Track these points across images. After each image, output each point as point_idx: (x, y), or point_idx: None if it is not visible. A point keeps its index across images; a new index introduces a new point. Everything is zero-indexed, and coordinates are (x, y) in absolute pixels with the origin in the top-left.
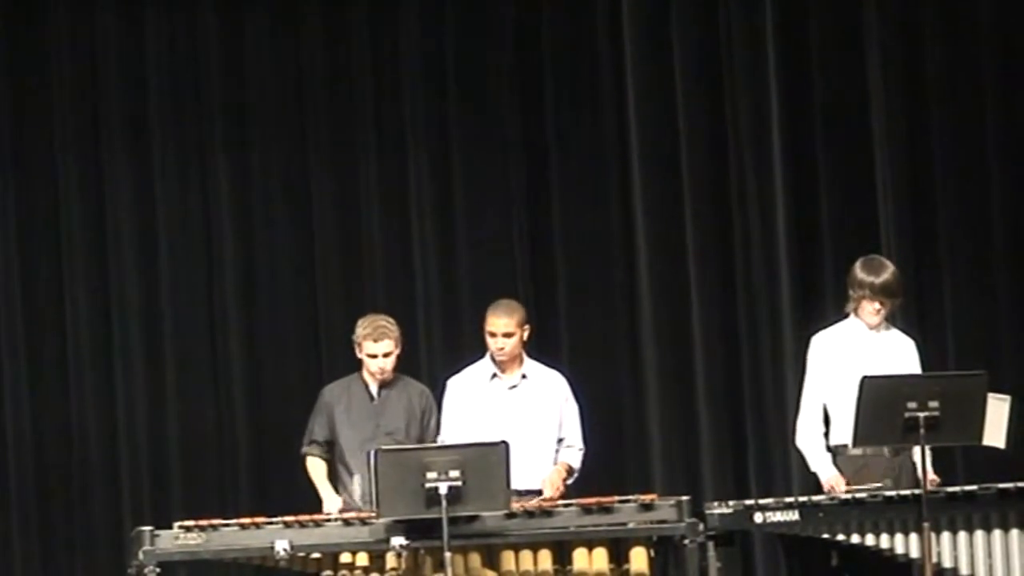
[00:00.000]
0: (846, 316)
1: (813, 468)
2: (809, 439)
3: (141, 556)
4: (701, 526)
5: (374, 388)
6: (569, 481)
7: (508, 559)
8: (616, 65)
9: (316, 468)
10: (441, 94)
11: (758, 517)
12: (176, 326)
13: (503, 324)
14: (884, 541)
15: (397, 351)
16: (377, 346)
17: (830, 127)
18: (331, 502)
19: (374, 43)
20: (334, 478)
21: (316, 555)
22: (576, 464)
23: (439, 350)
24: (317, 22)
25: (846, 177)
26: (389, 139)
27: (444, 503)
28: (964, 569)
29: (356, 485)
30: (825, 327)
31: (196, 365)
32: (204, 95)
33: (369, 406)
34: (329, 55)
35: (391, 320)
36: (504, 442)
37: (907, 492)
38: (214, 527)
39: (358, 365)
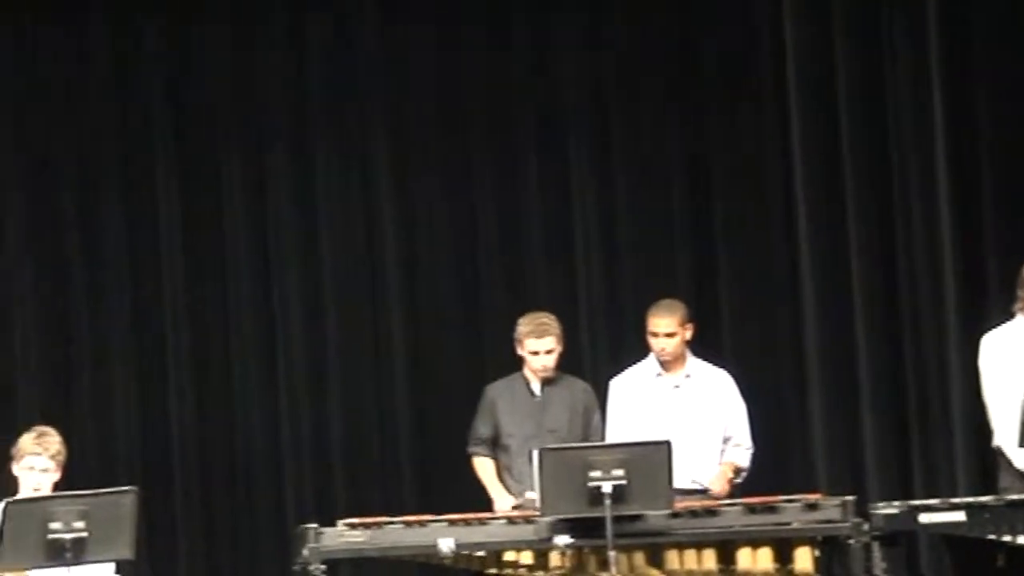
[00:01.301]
0: (1012, 317)
1: (1018, 465)
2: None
3: (306, 553)
4: (866, 526)
5: (536, 386)
6: (737, 480)
7: (672, 558)
8: (777, 71)
9: (484, 467)
10: (600, 96)
11: (924, 517)
12: (339, 327)
13: (665, 324)
14: None
15: (559, 348)
16: (539, 343)
17: (995, 129)
18: (503, 501)
19: (535, 45)
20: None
21: (480, 553)
22: (744, 463)
23: (602, 350)
24: (480, 30)
25: (1009, 179)
26: (551, 142)
27: (608, 502)
28: None
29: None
30: (993, 327)
31: (358, 364)
32: (365, 96)
33: (531, 403)
34: (489, 57)
35: (552, 317)
36: (667, 441)
37: None
38: (379, 525)
39: (520, 363)
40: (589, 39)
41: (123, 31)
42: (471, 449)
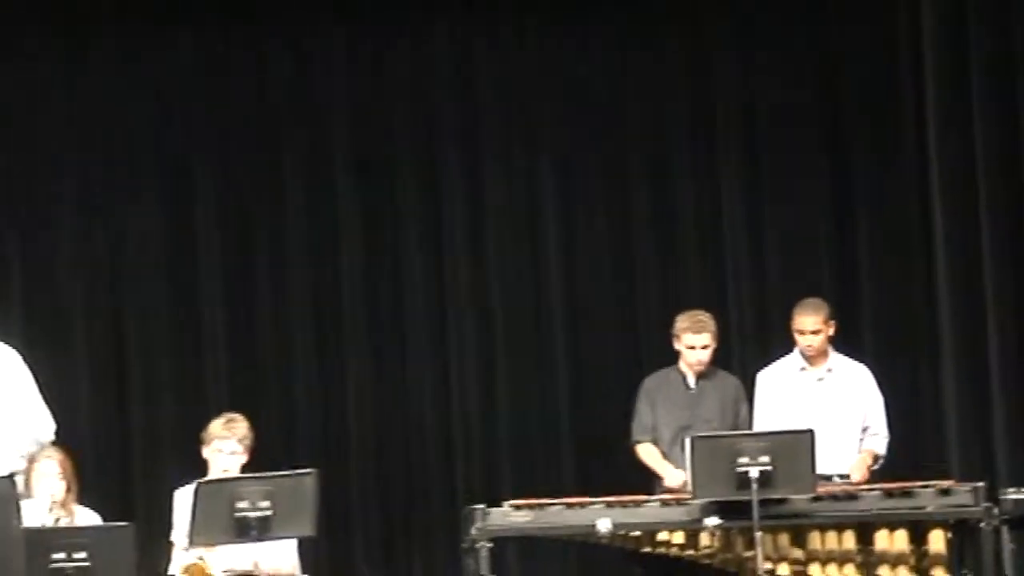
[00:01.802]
0: None
1: None
2: None
3: (474, 532)
4: (996, 511)
5: (691, 379)
6: (875, 467)
7: (815, 539)
8: (916, 78)
9: (649, 452)
10: (752, 111)
11: None
12: (505, 320)
13: (811, 322)
14: None
15: (714, 345)
16: (696, 338)
17: None
18: (673, 477)
19: (690, 67)
20: None
21: (636, 533)
22: (881, 451)
23: (750, 346)
24: (636, 44)
25: None
26: (703, 152)
27: (754, 486)
28: None
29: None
30: None
31: (523, 356)
32: (531, 102)
33: (687, 395)
34: (651, 70)
35: (709, 315)
36: (810, 430)
37: None
38: (541, 506)
39: (675, 357)
40: (744, 59)
41: (305, 36)
42: (636, 437)
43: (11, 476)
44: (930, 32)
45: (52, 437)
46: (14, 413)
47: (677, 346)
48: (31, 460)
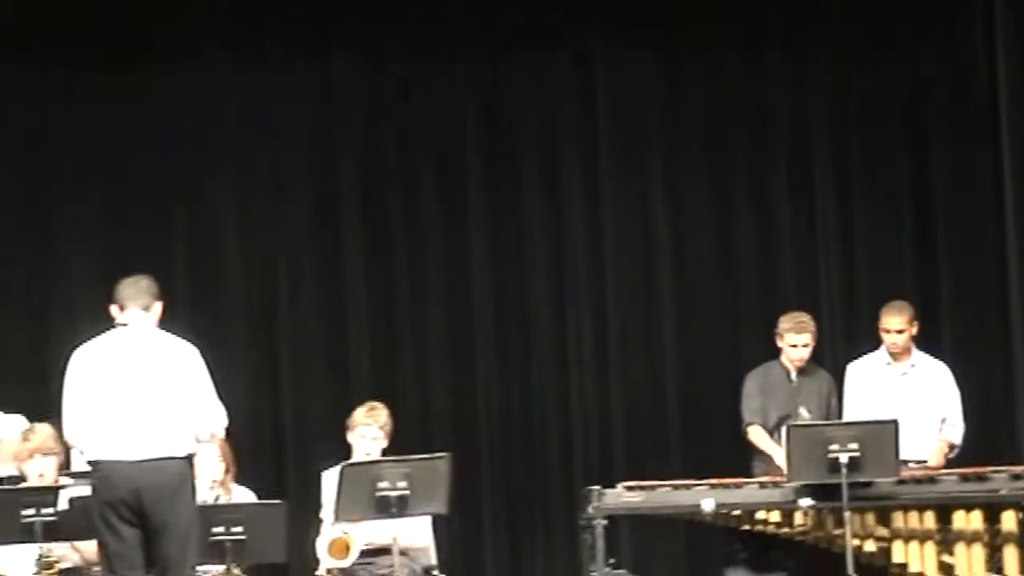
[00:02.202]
0: None
1: None
2: None
3: (591, 511)
4: None
5: (793, 374)
6: (951, 455)
7: (898, 518)
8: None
9: (759, 433)
10: (845, 124)
11: None
12: (619, 317)
13: (897, 322)
14: None
15: (813, 343)
16: (798, 337)
17: None
18: (781, 457)
19: (791, 81)
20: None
21: (736, 512)
22: (957, 440)
23: (841, 342)
24: (738, 62)
25: None
26: (799, 162)
27: (844, 470)
28: None
29: None
30: None
31: (635, 349)
32: (644, 116)
33: (788, 388)
34: (748, 84)
35: (809, 316)
36: (895, 420)
37: None
38: (652, 487)
39: (775, 353)
40: (837, 79)
41: (433, 58)
42: (748, 420)
43: (189, 457)
44: (1004, 37)
45: (224, 425)
46: (193, 403)
47: (780, 344)
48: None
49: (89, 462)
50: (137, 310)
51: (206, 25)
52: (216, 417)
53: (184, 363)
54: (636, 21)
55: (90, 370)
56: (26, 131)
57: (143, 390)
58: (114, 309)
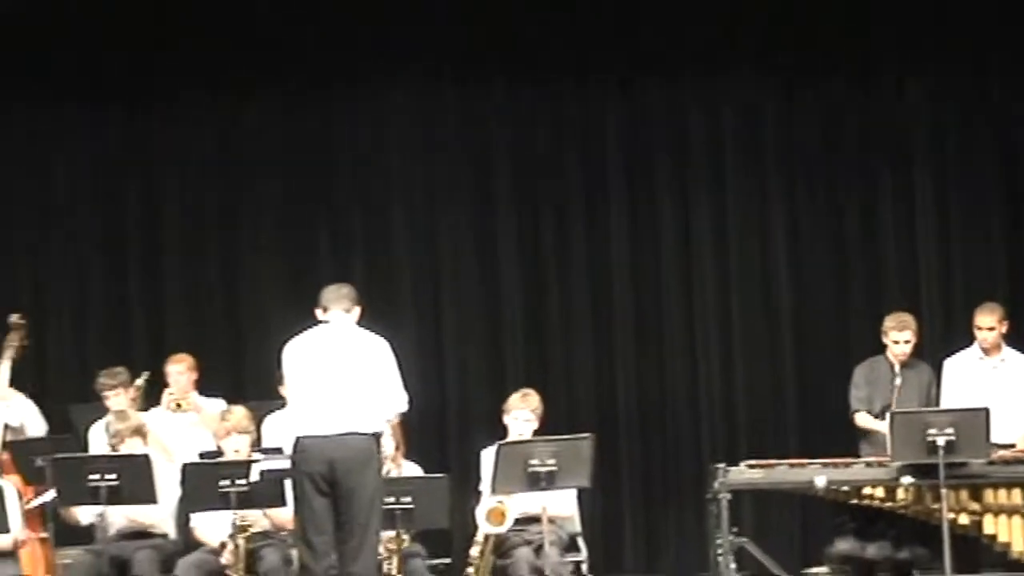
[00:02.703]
0: None
1: None
2: None
3: (716, 486)
4: None
5: (896, 367)
6: None
7: (989, 495)
8: None
9: (865, 418)
10: (942, 134)
11: None
12: (742, 314)
13: (988, 321)
14: None
15: (914, 340)
16: (900, 335)
17: None
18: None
19: (894, 100)
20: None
21: (845, 488)
22: None
23: (939, 339)
24: (845, 84)
25: None
26: (901, 176)
27: (941, 452)
28: None
29: None
30: None
31: (757, 343)
32: (764, 138)
33: (892, 379)
34: (856, 108)
35: (911, 316)
36: (986, 408)
37: None
38: (771, 466)
39: (882, 348)
40: (931, 91)
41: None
42: (855, 407)
43: (376, 435)
44: None
45: (406, 408)
46: (382, 388)
47: (885, 340)
48: None
49: (297, 437)
50: (339, 311)
51: (380, 54)
52: (397, 401)
53: (376, 355)
54: (757, 47)
55: (297, 359)
56: (220, 156)
57: (340, 376)
58: (318, 311)
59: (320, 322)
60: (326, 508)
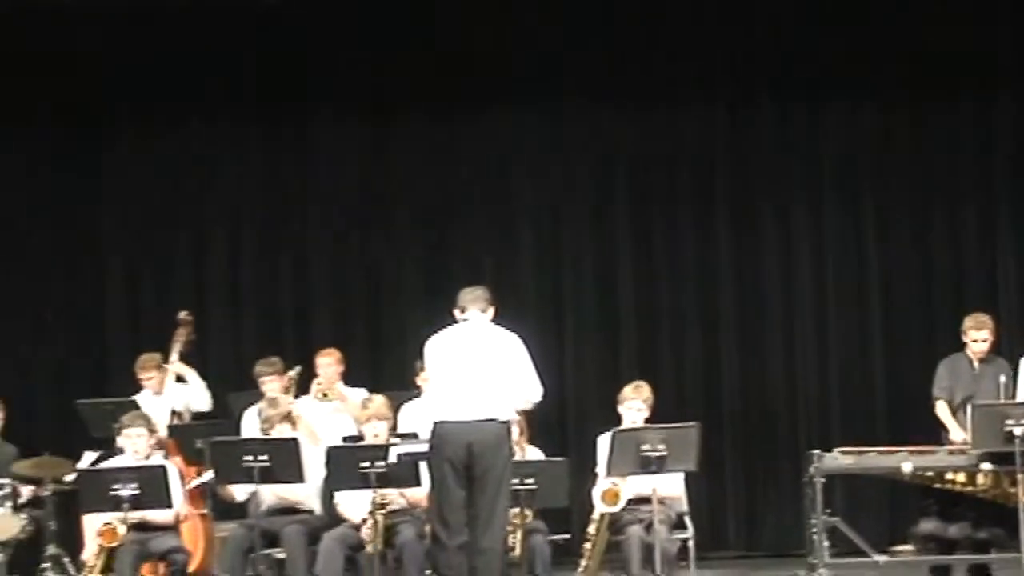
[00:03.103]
0: None
1: None
2: None
3: (812, 471)
4: None
5: (975, 363)
6: None
7: None
8: None
9: (943, 409)
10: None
11: None
12: (836, 312)
13: None
14: None
15: (992, 339)
16: (978, 334)
17: None
18: (957, 434)
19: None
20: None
21: (930, 473)
22: None
23: (1016, 337)
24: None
25: None
26: (983, 186)
27: (1018, 441)
28: None
29: None
30: None
31: (849, 340)
32: (858, 153)
33: (972, 374)
34: (944, 131)
35: (989, 316)
36: None
37: None
38: (861, 452)
39: (961, 346)
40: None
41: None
42: (936, 395)
43: (508, 422)
44: None
45: (541, 398)
46: (515, 380)
47: (965, 339)
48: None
49: (435, 422)
50: (476, 311)
51: (511, 81)
52: (533, 391)
53: (510, 349)
54: (850, 78)
55: (439, 353)
56: (366, 171)
57: (478, 368)
58: (456, 311)
59: (457, 321)
60: (461, 488)
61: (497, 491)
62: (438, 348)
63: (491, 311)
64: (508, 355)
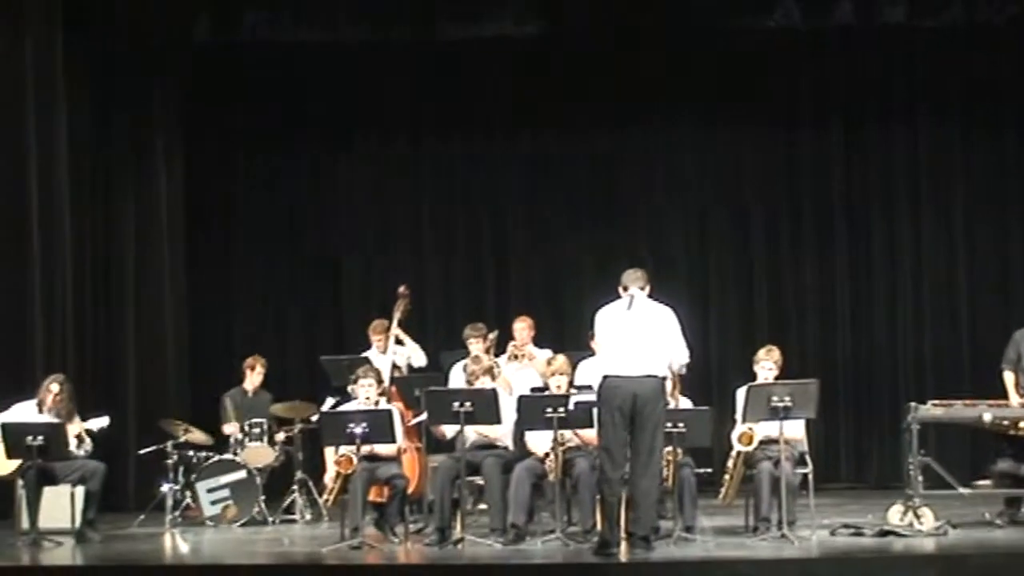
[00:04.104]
0: None
1: None
2: None
3: (909, 419)
4: None
5: None
6: None
7: None
8: None
9: (1009, 377)
10: None
11: None
12: (930, 290)
13: None
14: None
15: None
16: None
17: None
18: (1014, 399)
19: None
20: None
21: (1006, 422)
22: None
23: None
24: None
25: None
26: None
27: None
28: None
29: None
30: None
31: (941, 313)
32: (952, 166)
33: None
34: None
35: None
36: None
37: None
38: (949, 404)
39: None
40: None
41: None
42: (1003, 365)
43: (663, 378)
44: None
45: (687, 360)
46: (669, 344)
47: None
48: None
49: (603, 376)
50: (636, 288)
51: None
52: (683, 355)
53: (664, 319)
54: (945, 100)
55: (607, 319)
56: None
57: (639, 334)
58: (620, 288)
59: (620, 296)
60: (624, 430)
61: (654, 434)
62: (607, 318)
63: (647, 288)
64: (662, 324)
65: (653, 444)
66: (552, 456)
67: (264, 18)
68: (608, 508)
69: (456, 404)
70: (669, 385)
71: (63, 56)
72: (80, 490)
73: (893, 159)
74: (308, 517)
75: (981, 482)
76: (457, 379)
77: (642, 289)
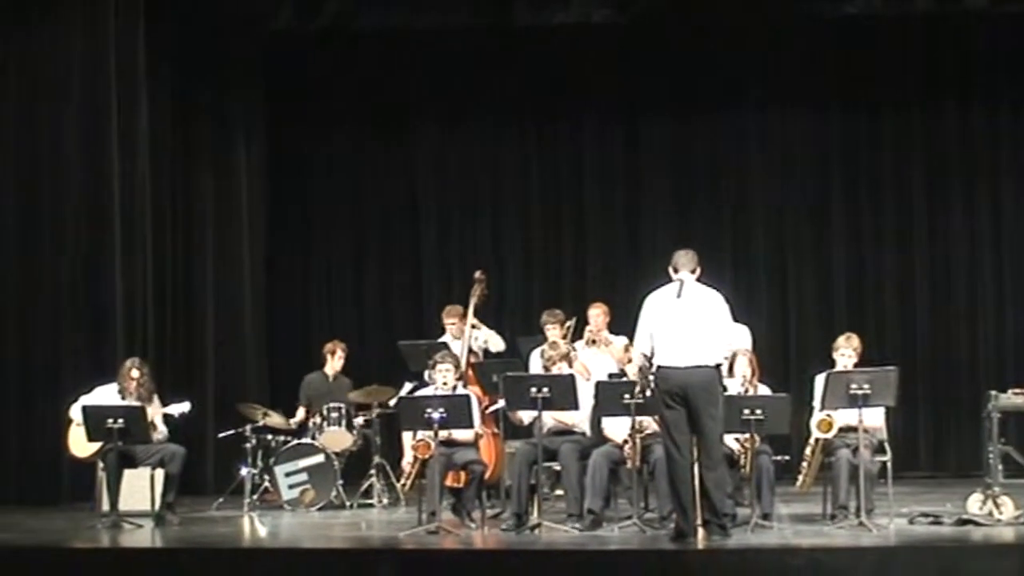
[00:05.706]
0: None
1: None
2: None
3: (989, 407)
4: None
5: None
6: None
7: None
8: None
9: None
10: None
11: None
12: (1012, 279)
13: None
14: None
15: None
16: None
17: None
18: None
19: None
20: None
21: None
22: None
23: None
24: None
25: None
26: None
27: None
28: None
29: None
30: None
31: (1020, 303)
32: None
33: None
34: None
35: None
36: None
37: None
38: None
39: None
40: None
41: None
42: None
43: (717, 366)
44: None
45: (747, 345)
46: (718, 330)
47: None
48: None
49: (657, 366)
50: (686, 272)
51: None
52: (740, 336)
53: (713, 304)
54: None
55: (657, 307)
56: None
57: (689, 320)
58: (670, 269)
59: (670, 279)
60: (681, 417)
61: (713, 422)
62: (654, 305)
63: (697, 271)
64: (712, 312)
65: (712, 432)
66: (630, 443)
67: (345, 6)
68: (681, 495)
69: (534, 390)
70: (748, 371)
71: (144, 48)
72: (160, 473)
73: (974, 144)
74: (385, 502)
75: None
76: (536, 365)
77: (693, 272)
